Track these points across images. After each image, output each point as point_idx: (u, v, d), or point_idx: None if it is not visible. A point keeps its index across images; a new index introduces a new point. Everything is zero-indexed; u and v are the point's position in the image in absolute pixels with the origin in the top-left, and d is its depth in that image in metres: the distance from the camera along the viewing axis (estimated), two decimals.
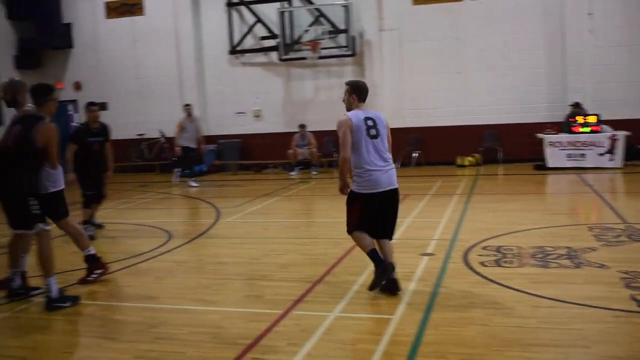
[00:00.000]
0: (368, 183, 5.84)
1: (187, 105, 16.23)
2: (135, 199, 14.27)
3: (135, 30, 20.63)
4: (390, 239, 6.07)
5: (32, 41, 20.93)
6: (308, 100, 19.35)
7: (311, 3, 18.82)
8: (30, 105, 6.28)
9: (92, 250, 7.04)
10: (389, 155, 5.97)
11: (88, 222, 9.75)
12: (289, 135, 18.43)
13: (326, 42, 18.25)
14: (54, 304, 6.10)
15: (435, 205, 11.29)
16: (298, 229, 10.25)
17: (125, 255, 8.24)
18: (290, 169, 17.98)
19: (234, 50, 19.63)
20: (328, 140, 18.77)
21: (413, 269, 6.74)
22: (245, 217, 11.27)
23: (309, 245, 8.51)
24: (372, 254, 5.90)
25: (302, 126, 17.95)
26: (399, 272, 6.05)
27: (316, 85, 19.26)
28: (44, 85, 6.56)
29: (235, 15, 19.71)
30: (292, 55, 18.80)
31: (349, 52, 18.31)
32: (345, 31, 18.23)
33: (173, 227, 10.19)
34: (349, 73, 18.79)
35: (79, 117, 21.70)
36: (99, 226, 10.28)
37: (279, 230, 10.02)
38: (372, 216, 5.92)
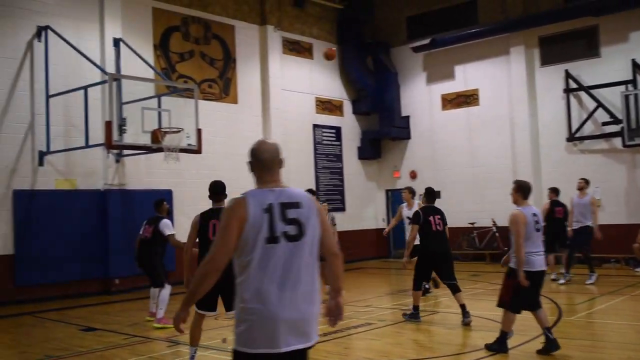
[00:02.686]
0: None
1: (582, 179, 14.90)
2: (468, 289, 14.07)
3: (470, 120, 21.04)
4: None
5: (374, 133, 22.60)
6: None
7: None
8: None
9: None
10: None
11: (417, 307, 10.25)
12: (633, 227, 16.87)
13: None
14: None
15: None
16: None
17: (468, 348, 8.06)
18: (635, 264, 16.37)
19: (572, 137, 18.85)
20: None
21: None
22: (590, 316, 10.43)
23: None
24: None
25: None
26: None
27: None
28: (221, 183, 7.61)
29: (573, 101, 19.01)
30: (637, 140, 17.42)
31: None
32: None
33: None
34: None
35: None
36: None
37: (632, 335, 9.01)
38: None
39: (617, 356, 7.46)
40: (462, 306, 9.68)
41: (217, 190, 7.54)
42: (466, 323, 9.54)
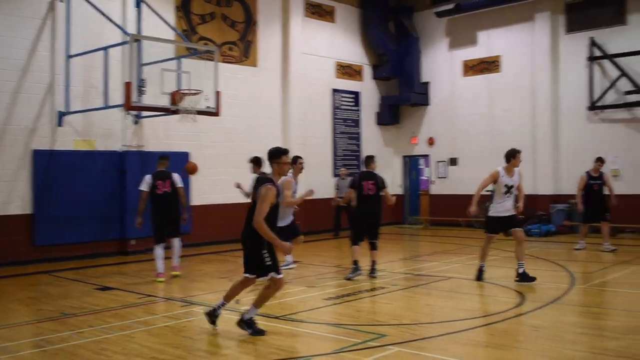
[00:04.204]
0: None
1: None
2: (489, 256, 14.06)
3: (490, 88, 20.81)
4: None
5: (393, 99, 22.47)
6: None
7: None
8: None
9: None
10: None
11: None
12: None
13: None
14: (240, 323, 7.20)
15: None
16: None
17: (479, 313, 8.09)
18: None
19: (593, 106, 18.58)
20: None
21: None
22: (603, 285, 10.41)
23: None
24: None
25: None
26: None
27: None
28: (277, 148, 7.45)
29: (596, 69, 18.69)
30: None
31: None
32: None
33: (524, 289, 9.78)
34: None
35: (428, 171, 22.51)
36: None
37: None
38: None
39: (617, 320, 7.46)
40: (373, 262, 11.32)
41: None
42: (373, 277, 11.12)
